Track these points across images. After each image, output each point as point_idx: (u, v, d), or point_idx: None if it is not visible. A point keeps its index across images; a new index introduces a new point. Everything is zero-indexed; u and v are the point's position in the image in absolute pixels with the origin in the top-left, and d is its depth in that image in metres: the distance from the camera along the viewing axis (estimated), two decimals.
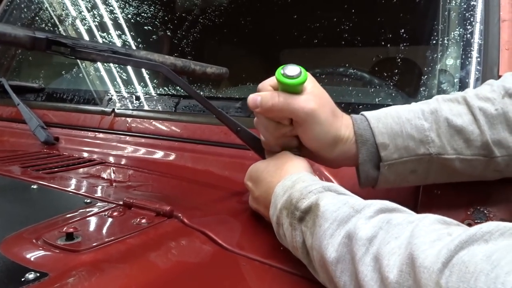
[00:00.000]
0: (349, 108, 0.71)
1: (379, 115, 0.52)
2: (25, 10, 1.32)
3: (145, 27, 1.10)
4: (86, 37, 1.19)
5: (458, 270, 0.27)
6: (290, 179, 0.49)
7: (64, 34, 1.22)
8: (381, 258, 0.33)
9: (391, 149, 0.51)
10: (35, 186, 0.65)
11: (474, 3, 0.69)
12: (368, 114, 0.53)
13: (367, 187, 0.54)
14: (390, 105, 0.67)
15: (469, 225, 0.52)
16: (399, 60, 0.74)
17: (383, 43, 0.78)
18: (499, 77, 0.63)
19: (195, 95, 0.57)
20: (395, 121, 0.51)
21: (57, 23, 1.25)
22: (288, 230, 0.45)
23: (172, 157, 0.84)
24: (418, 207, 0.56)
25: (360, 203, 0.40)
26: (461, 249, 0.28)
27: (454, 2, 0.71)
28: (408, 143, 0.50)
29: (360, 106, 0.71)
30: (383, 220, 0.36)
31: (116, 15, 1.15)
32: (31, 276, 0.38)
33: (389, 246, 0.33)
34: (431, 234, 0.32)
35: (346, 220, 0.38)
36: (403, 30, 0.76)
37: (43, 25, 1.28)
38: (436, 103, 0.52)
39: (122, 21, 1.14)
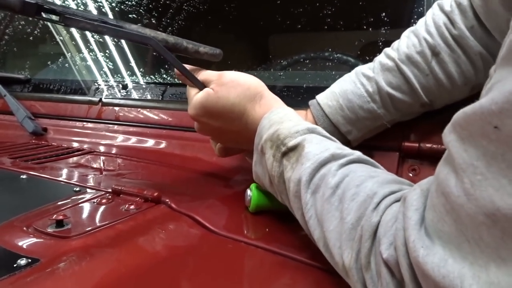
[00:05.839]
0: None
1: (333, 104, 0.60)
2: None
3: (130, 15, 1.10)
4: None
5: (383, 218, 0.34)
6: (277, 114, 0.52)
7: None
8: (343, 201, 0.38)
9: (354, 132, 0.61)
10: (24, 176, 0.66)
11: None
12: (324, 104, 0.60)
13: None
14: None
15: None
16: (380, 44, 0.75)
17: (365, 27, 0.79)
18: None
19: (186, 71, 0.56)
20: (350, 110, 0.59)
21: None
22: (270, 159, 0.49)
23: (160, 144, 0.85)
24: None
25: (339, 153, 0.44)
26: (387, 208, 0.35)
27: None
28: (365, 122, 0.60)
29: None
30: (350, 169, 0.41)
31: (101, 3, 1.14)
32: (23, 262, 0.39)
33: (350, 192, 0.38)
34: (379, 188, 0.38)
35: (324, 164, 0.43)
36: (384, 14, 0.77)
37: None
38: (375, 76, 0.58)
39: (107, 9, 1.13)
